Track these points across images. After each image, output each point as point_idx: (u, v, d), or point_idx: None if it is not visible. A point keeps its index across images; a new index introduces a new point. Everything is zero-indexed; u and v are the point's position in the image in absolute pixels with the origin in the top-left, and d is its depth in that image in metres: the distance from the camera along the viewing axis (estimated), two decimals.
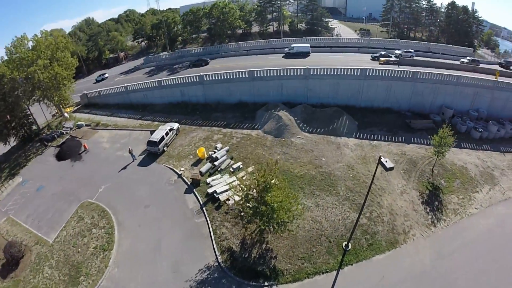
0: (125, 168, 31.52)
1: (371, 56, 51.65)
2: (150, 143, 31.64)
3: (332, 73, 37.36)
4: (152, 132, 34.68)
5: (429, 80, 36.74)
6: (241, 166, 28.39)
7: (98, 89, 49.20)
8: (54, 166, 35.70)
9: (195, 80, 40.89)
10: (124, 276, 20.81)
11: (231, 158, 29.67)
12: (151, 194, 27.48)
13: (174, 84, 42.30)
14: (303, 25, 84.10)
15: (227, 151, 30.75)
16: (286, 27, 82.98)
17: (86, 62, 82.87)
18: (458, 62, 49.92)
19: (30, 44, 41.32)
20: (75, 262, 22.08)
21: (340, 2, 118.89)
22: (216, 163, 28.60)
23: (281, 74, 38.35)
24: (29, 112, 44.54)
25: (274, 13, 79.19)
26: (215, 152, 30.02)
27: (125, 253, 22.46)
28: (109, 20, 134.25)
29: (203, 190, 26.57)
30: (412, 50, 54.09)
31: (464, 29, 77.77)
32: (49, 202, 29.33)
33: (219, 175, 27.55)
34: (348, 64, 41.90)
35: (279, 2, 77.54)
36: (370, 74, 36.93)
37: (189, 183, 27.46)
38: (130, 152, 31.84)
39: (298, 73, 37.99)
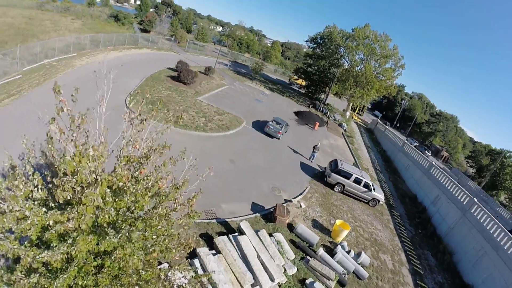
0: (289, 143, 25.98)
1: None
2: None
3: None
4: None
5: None
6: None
7: (386, 126, 47.91)
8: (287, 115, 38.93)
9: (461, 197, 24.68)
10: None
11: None
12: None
13: (438, 181, 28.78)
14: None
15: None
16: None
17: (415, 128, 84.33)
18: None
19: (372, 35, 43.93)
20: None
21: None
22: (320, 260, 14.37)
23: None
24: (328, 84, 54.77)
25: None
26: (346, 251, 15.80)
27: None
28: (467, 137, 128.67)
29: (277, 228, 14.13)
30: None
31: None
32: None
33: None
34: None
35: None
36: None
37: (271, 207, 16.64)
38: (314, 147, 26.51)
39: None
